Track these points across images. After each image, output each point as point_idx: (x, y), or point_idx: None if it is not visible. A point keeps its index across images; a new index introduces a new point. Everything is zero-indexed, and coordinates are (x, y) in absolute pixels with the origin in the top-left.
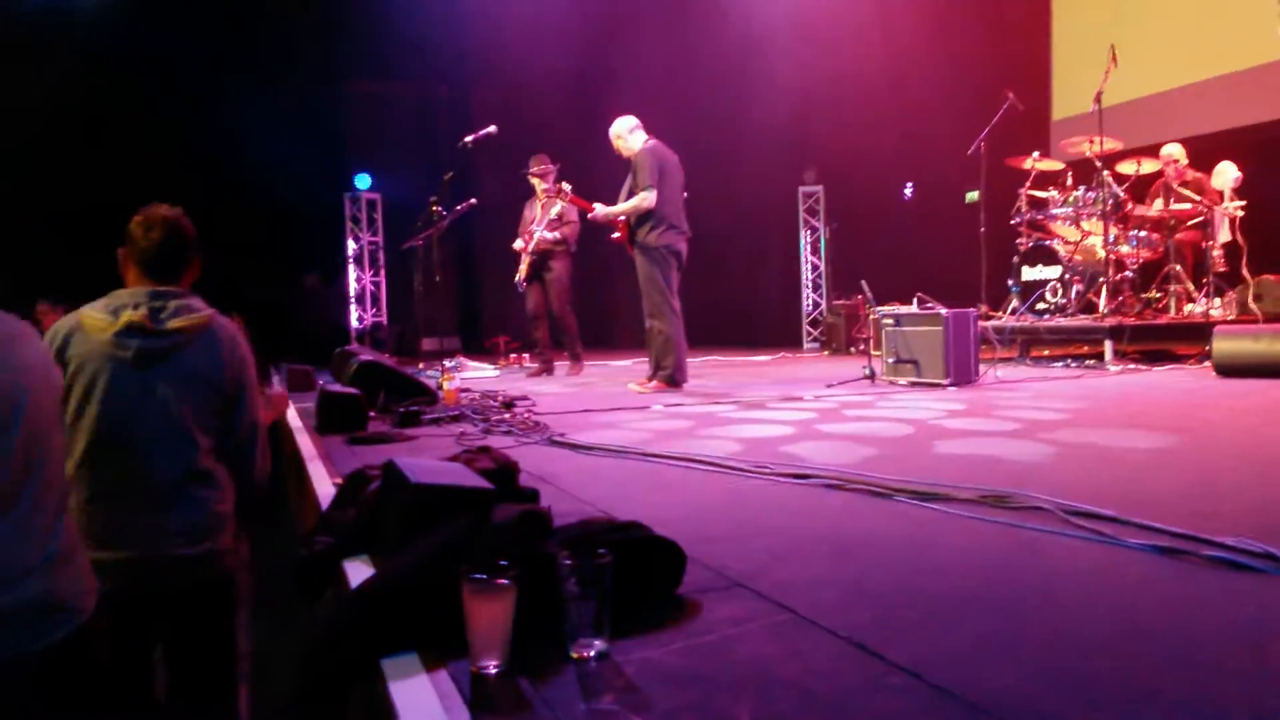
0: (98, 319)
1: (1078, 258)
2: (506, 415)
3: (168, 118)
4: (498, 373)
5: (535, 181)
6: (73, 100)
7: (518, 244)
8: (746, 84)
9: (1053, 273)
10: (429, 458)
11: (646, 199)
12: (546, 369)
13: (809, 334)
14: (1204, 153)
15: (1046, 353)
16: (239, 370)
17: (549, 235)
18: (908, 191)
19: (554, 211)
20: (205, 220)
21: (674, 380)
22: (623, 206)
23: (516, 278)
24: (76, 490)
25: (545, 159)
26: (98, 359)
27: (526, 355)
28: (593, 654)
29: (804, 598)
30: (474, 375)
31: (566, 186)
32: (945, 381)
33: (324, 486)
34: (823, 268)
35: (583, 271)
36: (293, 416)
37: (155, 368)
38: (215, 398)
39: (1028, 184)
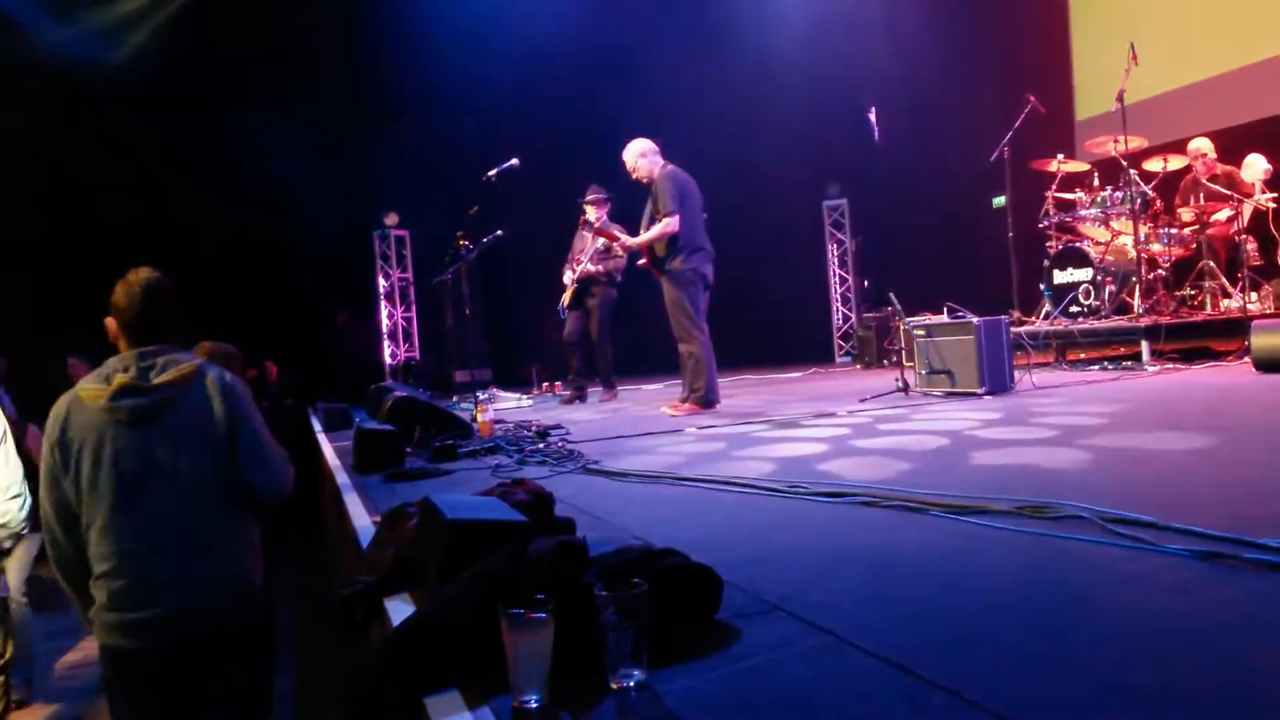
0: (92, 389)
1: (1109, 258)
2: (541, 445)
3: (197, 159)
4: (531, 402)
5: (590, 211)
6: (99, 140)
7: (566, 276)
8: (767, 100)
9: (1084, 275)
10: (465, 492)
11: (670, 225)
12: (580, 395)
13: (840, 348)
14: (1231, 146)
15: (1082, 356)
16: (232, 405)
17: (592, 267)
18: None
19: (600, 242)
20: (235, 263)
21: (706, 401)
22: (647, 236)
23: (560, 304)
24: (104, 559)
25: (600, 189)
26: (97, 428)
27: (559, 384)
28: (632, 684)
29: (842, 618)
30: (507, 406)
31: (592, 215)
32: (980, 390)
33: (363, 524)
34: (851, 280)
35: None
36: (330, 455)
37: (152, 425)
38: (216, 440)
39: (1054, 186)
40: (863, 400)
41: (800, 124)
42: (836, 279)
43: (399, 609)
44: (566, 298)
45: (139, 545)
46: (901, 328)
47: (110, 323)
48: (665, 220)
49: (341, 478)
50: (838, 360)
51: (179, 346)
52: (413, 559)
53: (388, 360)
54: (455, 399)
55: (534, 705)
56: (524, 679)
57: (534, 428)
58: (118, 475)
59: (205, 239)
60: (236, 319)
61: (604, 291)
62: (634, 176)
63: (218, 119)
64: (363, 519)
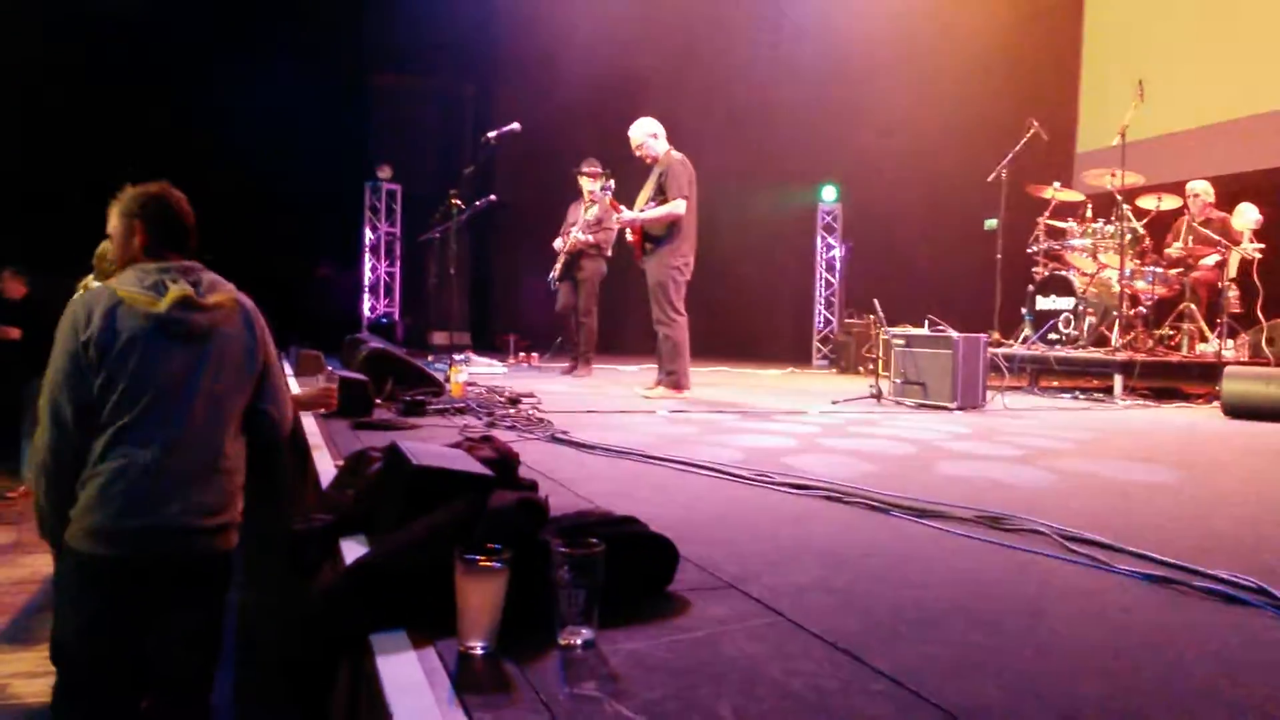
0: (141, 295)
1: (1093, 290)
2: (511, 411)
3: (191, 98)
4: (505, 370)
5: (584, 182)
6: (83, 73)
7: (557, 243)
8: (772, 95)
9: (1067, 304)
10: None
11: (678, 207)
12: (573, 368)
13: (819, 351)
14: (1226, 193)
15: (1055, 383)
16: (266, 339)
17: (583, 237)
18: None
19: (591, 214)
20: (224, 201)
21: (679, 385)
22: (655, 213)
23: (550, 275)
24: (108, 461)
25: (596, 162)
26: (145, 335)
27: (535, 354)
28: (580, 642)
29: (794, 603)
30: (482, 371)
31: (594, 186)
32: (952, 405)
33: (326, 468)
34: (836, 286)
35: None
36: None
37: (199, 341)
38: (251, 371)
39: (1047, 213)
40: (835, 402)
41: (801, 126)
42: (822, 282)
43: (354, 549)
44: (557, 268)
45: (151, 457)
46: (881, 336)
47: (107, 245)
48: (676, 202)
49: (308, 421)
50: (815, 363)
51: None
52: (373, 503)
53: (366, 313)
54: (431, 358)
55: (480, 652)
56: (473, 625)
57: (506, 393)
58: (154, 386)
59: (193, 177)
60: (219, 255)
61: (593, 264)
62: (638, 154)
63: (213, 60)
64: (326, 462)
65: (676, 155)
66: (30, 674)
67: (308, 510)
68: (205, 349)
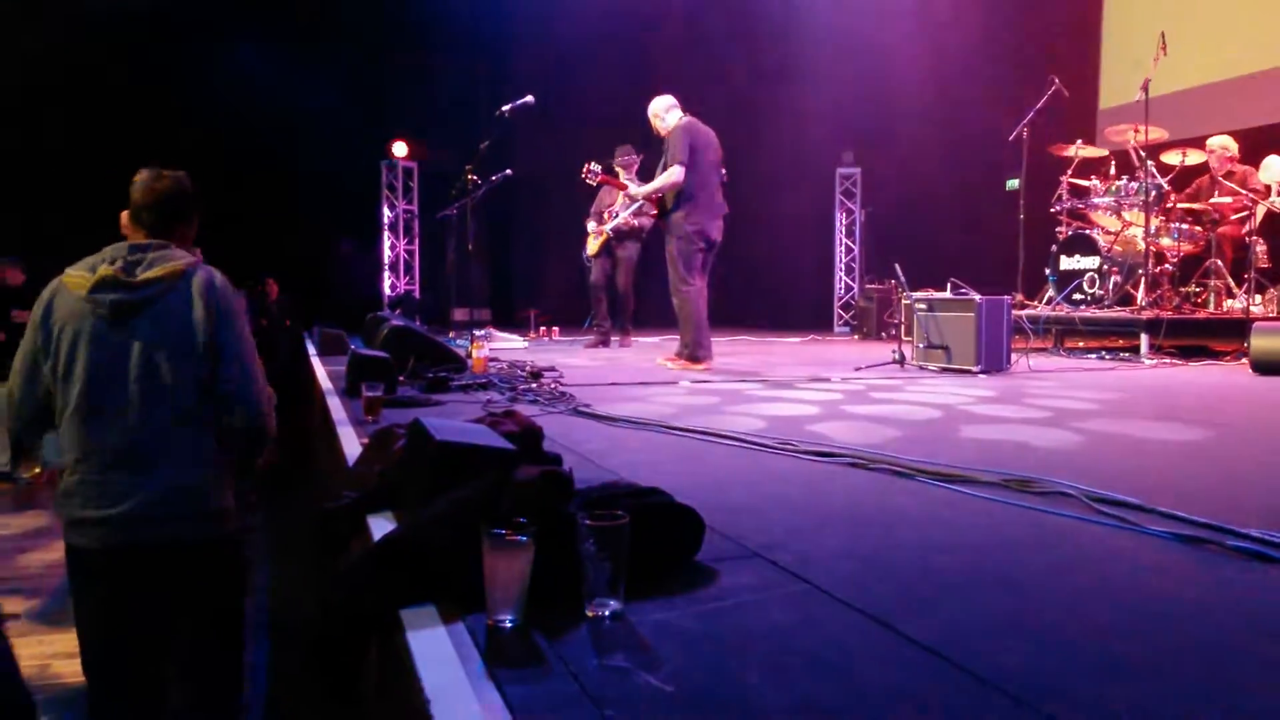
0: (77, 277)
1: (1117, 248)
2: (533, 385)
3: (210, 80)
4: (526, 344)
5: (619, 171)
6: (107, 57)
7: (591, 225)
8: (788, 61)
9: (1091, 263)
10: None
11: (674, 174)
12: (603, 341)
13: (840, 317)
14: (1252, 147)
15: (1081, 344)
16: (218, 316)
17: (633, 221)
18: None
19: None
20: (244, 184)
21: (695, 357)
22: (652, 185)
23: (586, 252)
24: (69, 451)
25: (630, 149)
26: (78, 317)
27: (556, 329)
28: (607, 614)
29: (821, 571)
30: (503, 346)
31: (596, 167)
32: (976, 368)
33: (352, 446)
34: (857, 251)
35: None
36: (323, 378)
37: (131, 321)
38: (195, 347)
39: (1069, 172)
40: (858, 369)
41: (819, 90)
42: (842, 248)
43: (381, 526)
44: (595, 246)
45: (100, 443)
46: (903, 301)
47: (124, 216)
48: (671, 169)
49: (333, 400)
50: (836, 329)
51: (183, 247)
52: (398, 479)
53: (386, 291)
54: (452, 335)
55: (509, 625)
56: (500, 599)
57: (528, 368)
58: (90, 369)
59: (214, 157)
60: (241, 237)
61: (635, 245)
62: (656, 131)
63: (229, 42)
64: (351, 440)
65: (683, 122)
66: (69, 654)
67: (335, 488)
68: (139, 325)
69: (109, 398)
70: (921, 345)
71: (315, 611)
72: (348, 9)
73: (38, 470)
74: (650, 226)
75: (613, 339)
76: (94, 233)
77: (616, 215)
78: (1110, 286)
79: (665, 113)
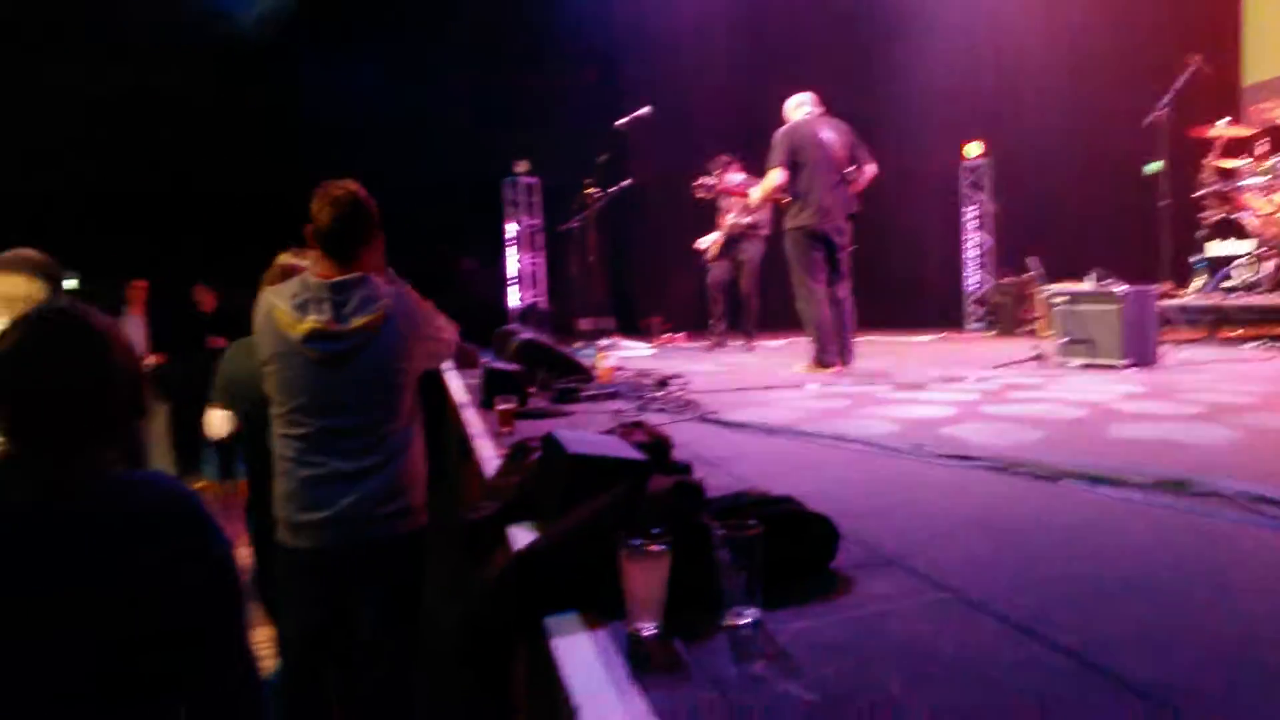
0: (286, 315)
1: (1272, 230)
2: (659, 393)
3: (332, 105)
4: (652, 351)
5: (728, 179)
6: (237, 84)
7: (710, 238)
8: (911, 51)
9: (1243, 247)
10: (586, 431)
11: (768, 180)
12: (720, 343)
13: (972, 313)
14: None
15: (1238, 333)
16: (414, 328)
17: (743, 221)
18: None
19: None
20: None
21: (820, 361)
22: (757, 193)
23: (704, 254)
24: (282, 459)
25: (721, 158)
26: (290, 353)
27: (680, 335)
28: (746, 622)
29: (960, 578)
30: (629, 354)
31: (710, 181)
32: (1122, 363)
33: (488, 456)
34: (990, 243)
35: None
36: (458, 391)
37: (341, 368)
38: (399, 369)
39: (1215, 153)
40: (995, 367)
41: (941, 81)
42: (970, 241)
43: (522, 536)
44: (714, 249)
45: (312, 452)
46: (1040, 295)
47: (308, 231)
48: (768, 175)
49: (468, 412)
50: (969, 326)
51: (375, 266)
52: (534, 490)
53: (513, 304)
54: (578, 345)
55: (649, 633)
56: (640, 607)
57: (654, 376)
58: (304, 400)
59: (336, 177)
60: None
61: (754, 245)
62: None
63: (349, 68)
64: (487, 451)
65: (789, 125)
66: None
67: (474, 499)
68: (351, 369)
69: (325, 427)
70: (1063, 340)
71: (464, 616)
72: (461, 31)
73: (204, 484)
74: (766, 225)
75: (731, 341)
76: (240, 252)
77: (730, 217)
78: (1266, 271)
79: (789, 112)
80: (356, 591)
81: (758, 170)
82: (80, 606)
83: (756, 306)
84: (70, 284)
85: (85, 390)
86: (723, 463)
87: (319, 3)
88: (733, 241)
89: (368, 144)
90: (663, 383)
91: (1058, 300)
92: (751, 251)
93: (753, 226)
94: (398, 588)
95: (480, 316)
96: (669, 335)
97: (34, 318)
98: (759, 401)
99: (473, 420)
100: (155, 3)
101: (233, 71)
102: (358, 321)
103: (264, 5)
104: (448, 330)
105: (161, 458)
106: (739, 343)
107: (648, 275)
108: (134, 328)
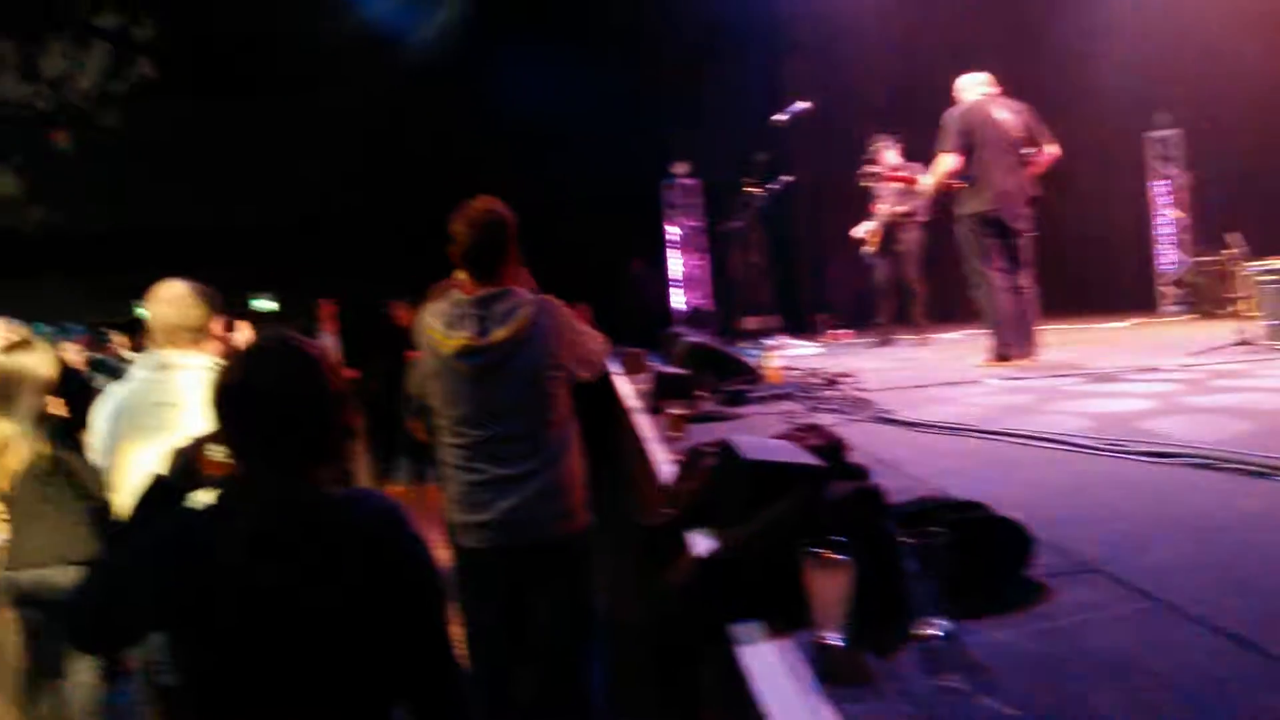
0: (438, 332)
1: None
2: (830, 392)
3: (495, 117)
4: (820, 350)
5: (889, 163)
6: (415, 103)
7: (865, 226)
8: (1084, 24)
9: None
10: (758, 435)
11: (938, 164)
12: (885, 340)
13: (1165, 295)
14: None
15: None
16: (560, 334)
17: (895, 209)
18: None
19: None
20: (530, 210)
21: (1000, 355)
22: (929, 178)
23: (866, 250)
24: (446, 463)
25: (878, 139)
26: (445, 368)
27: (846, 331)
28: (937, 633)
29: (1166, 584)
30: (796, 353)
31: (874, 169)
32: None
33: (661, 461)
34: (1184, 220)
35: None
36: (628, 395)
37: (493, 377)
38: (548, 374)
39: None
40: (1197, 353)
41: (1124, 51)
42: (1162, 219)
43: (701, 541)
44: (874, 240)
45: (473, 459)
46: (1245, 273)
47: (452, 250)
48: (937, 159)
49: (639, 417)
50: (1162, 309)
51: (518, 278)
52: (711, 496)
53: (678, 306)
54: (744, 345)
55: (835, 642)
56: (825, 616)
57: (823, 375)
58: (463, 410)
59: (498, 187)
60: (537, 269)
61: (911, 233)
62: None
63: (513, 79)
64: (660, 456)
65: (961, 106)
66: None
67: (650, 504)
68: (501, 379)
69: (483, 436)
70: (1272, 322)
71: (649, 622)
72: (617, 34)
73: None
74: (922, 212)
75: (900, 337)
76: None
77: (883, 206)
78: None
79: (962, 92)
80: (526, 592)
81: (916, 154)
82: (313, 619)
83: (923, 294)
84: (269, 305)
85: (307, 415)
86: (900, 464)
87: (482, 21)
88: (889, 231)
89: (536, 153)
90: (833, 381)
91: (1265, 278)
92: (909, 240)
93: (908, 214)
94: (566, 588)
95: (649, 319)
96: (837, 332)
97: (258, 348)
98: (935, 399)
99: (644, 425)
100: (316, 31)
101: (407, 92)
102: (500, 334)
103: (437, 21)
104: (595, 337)
105: (359, 463)
106: (910, 337)
107: (812, 272)
108: (328, 345)
